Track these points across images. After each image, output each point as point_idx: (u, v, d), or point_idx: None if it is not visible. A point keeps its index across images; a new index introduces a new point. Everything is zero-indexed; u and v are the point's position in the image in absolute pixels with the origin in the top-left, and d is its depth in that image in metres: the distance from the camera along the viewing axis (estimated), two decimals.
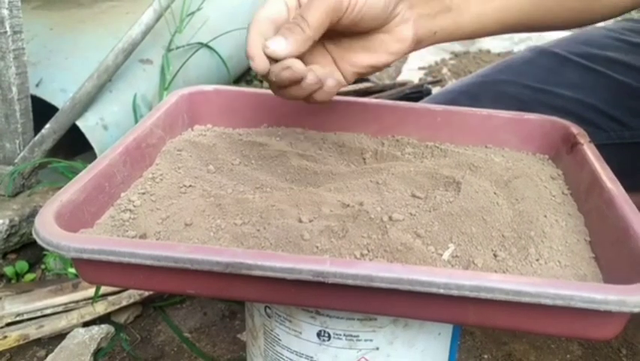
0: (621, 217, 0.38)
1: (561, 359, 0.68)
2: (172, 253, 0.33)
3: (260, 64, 0.41)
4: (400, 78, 1.62)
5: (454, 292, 0.31)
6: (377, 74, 1.77)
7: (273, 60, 0.41)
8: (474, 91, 0.70)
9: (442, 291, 0.31)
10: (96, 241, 0.35)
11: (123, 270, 0.35)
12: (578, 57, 0.69)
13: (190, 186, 0.46)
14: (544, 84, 0.68)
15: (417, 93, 1.25)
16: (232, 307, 0.75)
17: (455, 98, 0.69)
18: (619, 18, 0.57)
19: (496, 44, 2.13)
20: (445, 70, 1.78)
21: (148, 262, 0.33)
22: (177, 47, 1.14)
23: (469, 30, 0.48)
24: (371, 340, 0.41)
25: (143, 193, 0.45)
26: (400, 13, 0.44)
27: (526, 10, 0.49)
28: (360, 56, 0.46)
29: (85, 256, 0.34)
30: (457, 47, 2.10)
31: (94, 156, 0.94)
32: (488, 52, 2.04)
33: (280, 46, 0.40)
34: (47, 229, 0.35)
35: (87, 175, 0.41)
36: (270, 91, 0.46)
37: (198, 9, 1.21)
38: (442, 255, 0.38)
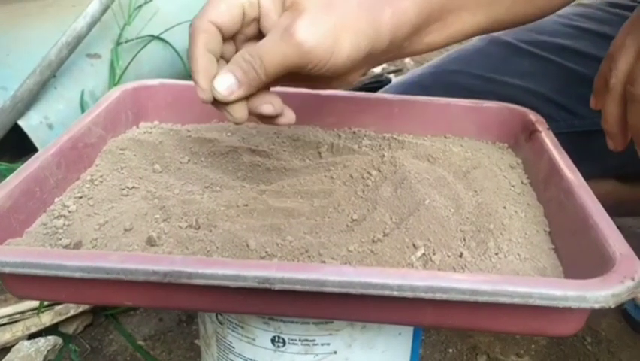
0: (580, 207, 0.37)
1: (526, 349, 0.68)
2: (103, 264, 0.30)
3: (208, 96, 0.35)
4: None
5: (409, 294, 0.29)
6: None
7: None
8: (425, 82, 0.68)
9: (395, 293, 0.29)
10: (18, 252, 0.31)
11: (52, 284, 0.32)
12: (528, 45, 0.68)
13: (133, 187, 0.43)
14: (495, 73, 0.67)
15: (375, 84, 1.23)
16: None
17: (407, 90, 0.67)
18: None
19: None
20: (407, 59, 1.77)
21: (77, 275, 0.30)
22: (127, 41, 1.09)
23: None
24: (328, 344, 0.39)
25: (80, 197, 0.41)
26: (362, 68, 0.39)
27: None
28: (305, 85, 0.41)
29: (7, 270, 0.31)
30: None
31: None
32: None
33: (230, 90, 0.35)
34: None
35: (14, 180, 0.38)
36: None
37: (146, 1, 1.16)
38: (405, 254, 0.36)
